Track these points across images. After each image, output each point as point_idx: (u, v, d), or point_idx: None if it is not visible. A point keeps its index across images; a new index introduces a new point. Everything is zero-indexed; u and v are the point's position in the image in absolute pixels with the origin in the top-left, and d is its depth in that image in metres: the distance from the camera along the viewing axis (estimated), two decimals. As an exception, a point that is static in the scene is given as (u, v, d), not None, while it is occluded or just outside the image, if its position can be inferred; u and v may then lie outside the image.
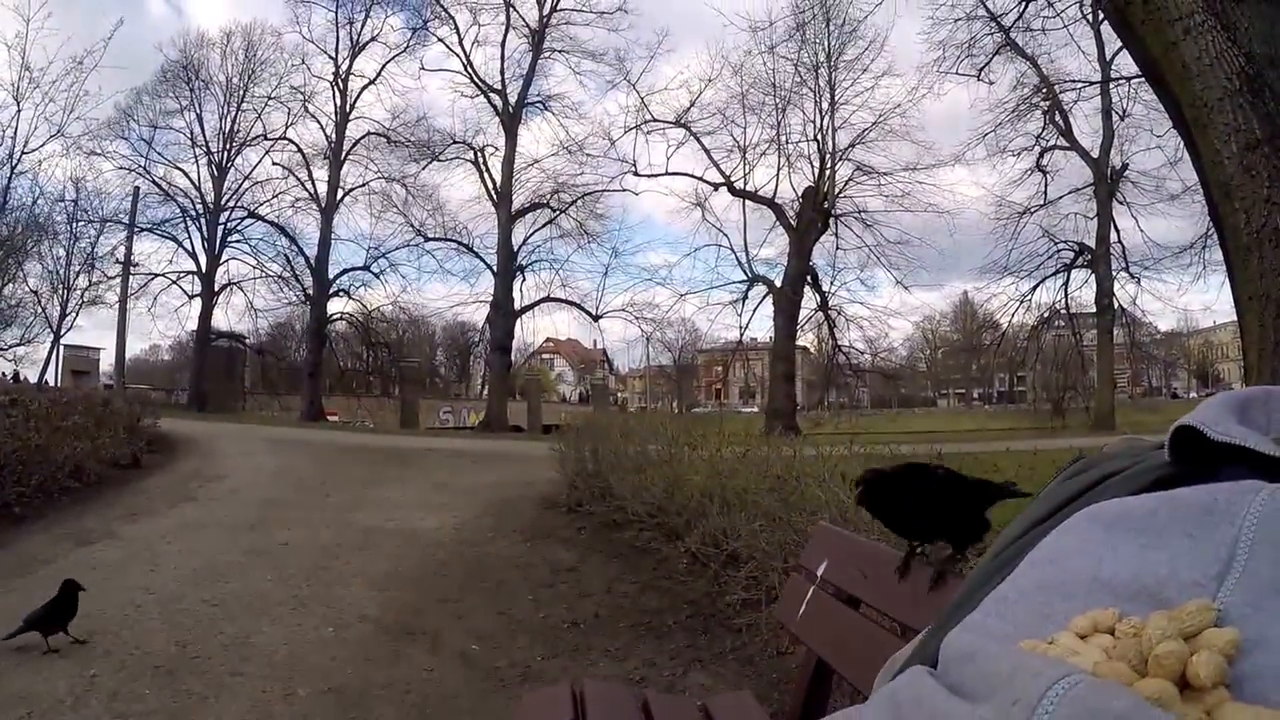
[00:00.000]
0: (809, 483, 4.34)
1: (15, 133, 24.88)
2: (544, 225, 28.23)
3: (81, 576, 3.61)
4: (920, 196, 25.68)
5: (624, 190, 28.47)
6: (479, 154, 27.79)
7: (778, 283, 26.04)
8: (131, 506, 6.75)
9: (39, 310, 26.24)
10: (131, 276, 25.81)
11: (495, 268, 27.28)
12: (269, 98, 27.68)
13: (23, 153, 24.98)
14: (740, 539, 4.40)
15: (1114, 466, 0.44)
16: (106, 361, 27.76)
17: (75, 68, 24.82)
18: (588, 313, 28.59)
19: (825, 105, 26.31)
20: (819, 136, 26.35)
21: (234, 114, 27.52)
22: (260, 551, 5.47)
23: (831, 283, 26.81)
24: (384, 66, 27.86)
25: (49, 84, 24.57)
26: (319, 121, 28.03)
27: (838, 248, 26.46)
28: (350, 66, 27.77)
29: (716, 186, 27.33)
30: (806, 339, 28.57)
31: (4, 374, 23.55)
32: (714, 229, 27.36)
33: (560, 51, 27.71)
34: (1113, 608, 0.30)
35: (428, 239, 28.37)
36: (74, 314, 26.43)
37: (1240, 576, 0.31)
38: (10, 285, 25.88)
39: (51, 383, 22.54)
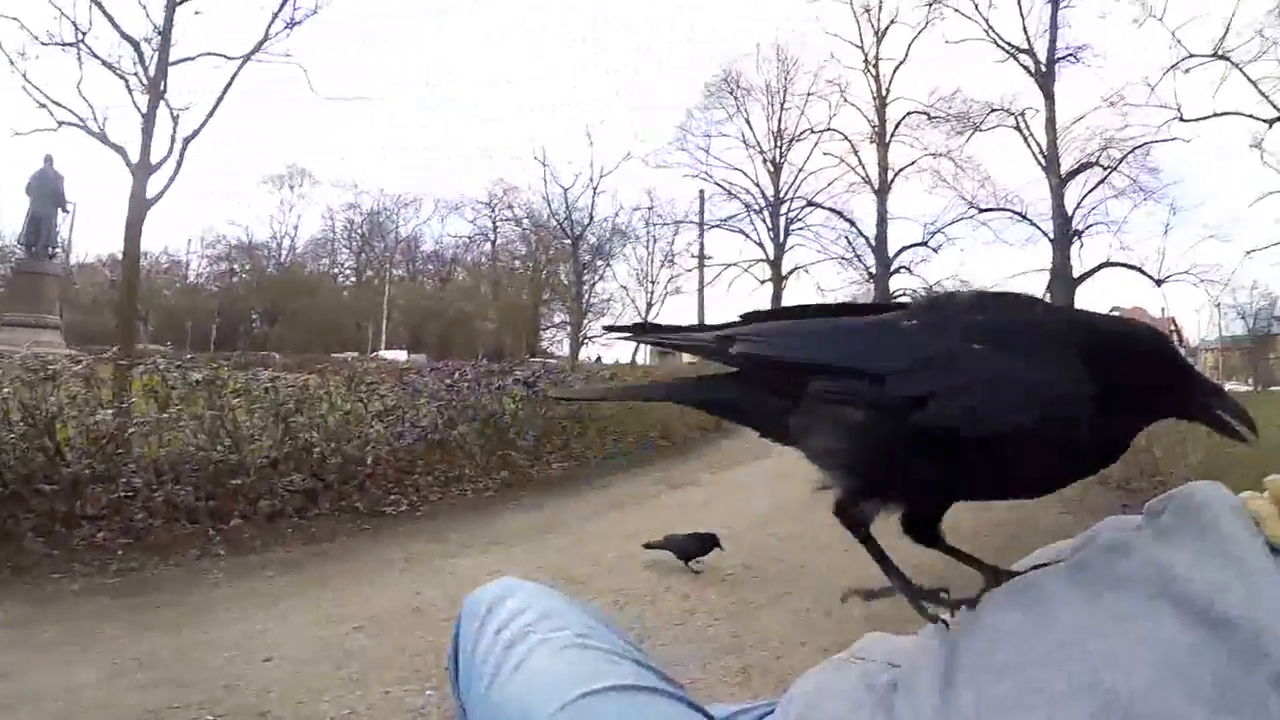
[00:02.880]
0: None
1: (592, 162, 32.65)
2: (1095, 186, 26.76)
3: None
4: None
5: (1173, 139, 25.26)
6: (1019, 118, 27.15)
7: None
8: (713, 461, 8.00)
9: (628, 301, 33.35)
10: (706, 268, 30.95)
11: (1051, 234, 26.42)
12: (808, 94, 30.58)
13: (601, 176, 32.81)
14: None
15: None
16: (690, 344, 33.86)
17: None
18: (1149, 276, 26.47)
19: None
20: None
21: (778, 114, 31.17)
22: (824, 499, 5.89)
23: None
24: (909, 46, 28.83)
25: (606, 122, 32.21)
26: (858, 108, 29.97)
27: None
28: (878, 52, 29.23)
29: (1270, 123, 21.35)
30: None
31: (591, 358, 30.30)
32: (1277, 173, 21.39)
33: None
34: None
35: (981, 210, 28.58)
36: (659, 303, 33.13)
37: None
38: (601, 283, 33.54)
39: (641, 362, 28.23)
